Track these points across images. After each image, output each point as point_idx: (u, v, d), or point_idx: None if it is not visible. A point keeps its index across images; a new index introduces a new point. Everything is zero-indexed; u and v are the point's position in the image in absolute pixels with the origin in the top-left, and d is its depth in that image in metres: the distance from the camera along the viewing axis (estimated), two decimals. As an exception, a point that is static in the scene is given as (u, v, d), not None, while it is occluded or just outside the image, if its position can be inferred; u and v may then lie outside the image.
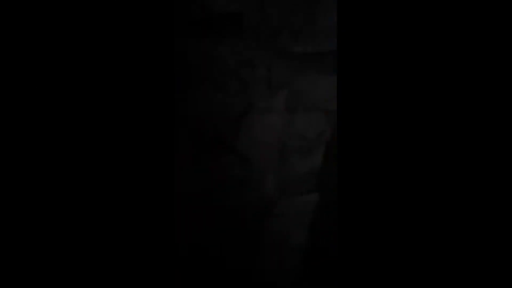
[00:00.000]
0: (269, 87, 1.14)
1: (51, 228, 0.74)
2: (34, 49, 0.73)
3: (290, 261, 1.45)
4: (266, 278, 1.41)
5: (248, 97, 1.12)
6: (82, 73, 0.77)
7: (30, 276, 0.73)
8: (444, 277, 0.82)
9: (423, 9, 0.83)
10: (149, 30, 0.78)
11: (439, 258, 0.83)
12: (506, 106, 0.78)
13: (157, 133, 0.80)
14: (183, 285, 1.18)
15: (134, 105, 0.80)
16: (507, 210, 0.79)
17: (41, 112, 0.74)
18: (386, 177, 0.84)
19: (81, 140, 0.77)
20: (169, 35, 0.82)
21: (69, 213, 0.75)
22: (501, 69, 0.79)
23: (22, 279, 0.72)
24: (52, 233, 0.74)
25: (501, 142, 0.79)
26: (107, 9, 0.75)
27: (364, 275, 0.85)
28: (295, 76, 1.18)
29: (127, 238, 0.79)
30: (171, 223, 0.86)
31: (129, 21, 0.77)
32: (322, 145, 1.37)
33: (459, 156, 0.82)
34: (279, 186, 1.33)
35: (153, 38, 0.78)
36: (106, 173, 0.78)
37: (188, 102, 1.06)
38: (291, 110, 1.23)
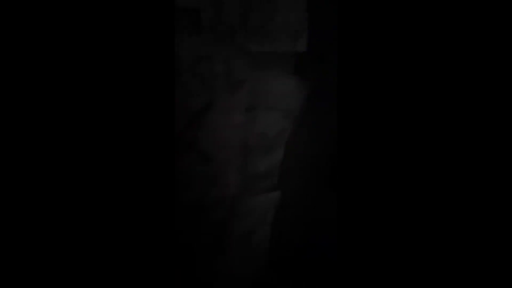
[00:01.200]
0: (229, 85, 1.12)
1: (50, 227, 0.72)
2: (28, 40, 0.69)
3: (253, 259, 1.43)
4: (230, 276, 1.38)
5: (207, 94, 1.10)
6: (81, 71, 0.74)
7: (28, 275, 0.70)
8: (444, 277, 0.80)
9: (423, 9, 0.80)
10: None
11: (439, 258, 0.80)
12: (506, 107, 0.76)
13: (157, 133, 0.77)
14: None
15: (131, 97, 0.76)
16: (507, 210, 0.77)
17: (38, 108, 0.71)
18: (386, 178, 0.82)
19: (79, 135, 0.74)
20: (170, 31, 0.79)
21: (62, 200, 0.72)
22: (501, 69, 0.77)
23: (22, 278, 0.69)
24: (51, 232, 0.72)
25: (501, 143, 0.77)
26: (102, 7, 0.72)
27: (364, 276, 0.82)
28: (254, 75, 1.17)
29: (126, 232, 0.76)
30: (171, 224, 0.82)
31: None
32: (283, 144, 1.36)
33: (459, 158, 0.80)
34: (241, 185, 1.30)
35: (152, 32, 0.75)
36: (105, 170, 0.75)
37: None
38: (251, 108, 1.21)
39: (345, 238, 0.83)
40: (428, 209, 0.82)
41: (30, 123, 0.71)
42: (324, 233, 1.44)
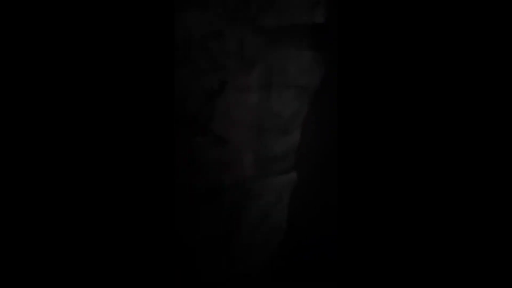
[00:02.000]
0: (242, 63, 1.02)
1: (50, 226, 0.71)
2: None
3: (269, 241, 1.39)
4: (246, 258, 1.34)
5: (220, 73, 1.01)
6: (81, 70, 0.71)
7: (29, 275, 0.70)
8: (444, 277, 0.78)
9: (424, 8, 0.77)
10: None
11: (440, 258, 0.79)
12: (506, 106, 0.74)
13: (156, 126, 0.74)
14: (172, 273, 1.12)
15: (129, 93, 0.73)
16: (507, 210, 0.75)
17: (37, 105, 0.69)
18: (387, 177, 0.79)
19: (80, 133, 0.72)
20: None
21: (62, 199, 0.71)
22: (501, 69, 0.75)
23: (22, 278, 0.69)
24: (50, 231, 0.71)
25: (501, 142, 0.75)
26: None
27: (364, 275, 0.81)
28: (267, 51, 1.07)
29: (126, 231, 0.75)
30: (171, 218, 0.81)
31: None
32: (299, 123, 1.28)
33: (460, 157, 0.77)
34: (257, 166, 1.24)
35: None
36: (104, 167, 0.73)
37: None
38: (266, 87, 1.12)
39: (345, 238, 0.82)
40: (428, 211, 0.79)
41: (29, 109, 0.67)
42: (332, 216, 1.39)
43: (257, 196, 1.29)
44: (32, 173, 0.68)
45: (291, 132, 1.27)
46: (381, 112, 0.80)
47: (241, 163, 1.20)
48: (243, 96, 1.08)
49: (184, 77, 0.96)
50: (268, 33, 1.05)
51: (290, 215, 1.41)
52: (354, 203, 0.81)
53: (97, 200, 0.72)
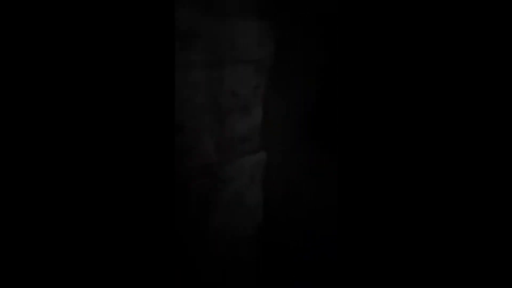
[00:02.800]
0: (179, 38, 0.96)
1: (50, 226, 0.70)
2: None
3: (249, 220, 1.34)
4: (227, 237, 1.29)
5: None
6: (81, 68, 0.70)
7: (29, 275, 0.69)
8: (443, 276, 0.77)
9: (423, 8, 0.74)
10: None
11: (439, 257, 0.77)
12: (506, 106, 0.73)
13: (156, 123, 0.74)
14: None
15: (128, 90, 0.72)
16: (507, 210, 0.74)
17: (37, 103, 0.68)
18: (388, 176, 0.78)
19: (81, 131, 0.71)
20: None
21: (60, 196, 0.70)
22: (501, 69, 0.73)
23: (22, 278, 0.69)
24: (50, 231, 0.70)
25: (501, 142, 0.74)
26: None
27: (364, 275, 0.79)
28: (210, 24, 1.01)
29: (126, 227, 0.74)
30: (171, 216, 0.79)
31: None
32: (259, 100, 1.22)
33: (460, 156, 0.76)
34: (221, 149, 1.18)
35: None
36: (103, 165, 0.72)
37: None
38: (216, 64, 1.06)
39: (345, 238, 0.82)
40: (429, 211, 0.77)
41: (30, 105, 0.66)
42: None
43: (228, 179, 1.23)
44: (34, 175, 0.67)
45: (251, 110, 1.21)
46: (382, 107, 0.77)
47: (204, 147, 1.14)
48: (191, 75, 1.02)
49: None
50: (207, 3, 0.98)
51: (266, 192, 1.36)
52: (354, 203, 0.80)
53: (97, 200, 0.71)
